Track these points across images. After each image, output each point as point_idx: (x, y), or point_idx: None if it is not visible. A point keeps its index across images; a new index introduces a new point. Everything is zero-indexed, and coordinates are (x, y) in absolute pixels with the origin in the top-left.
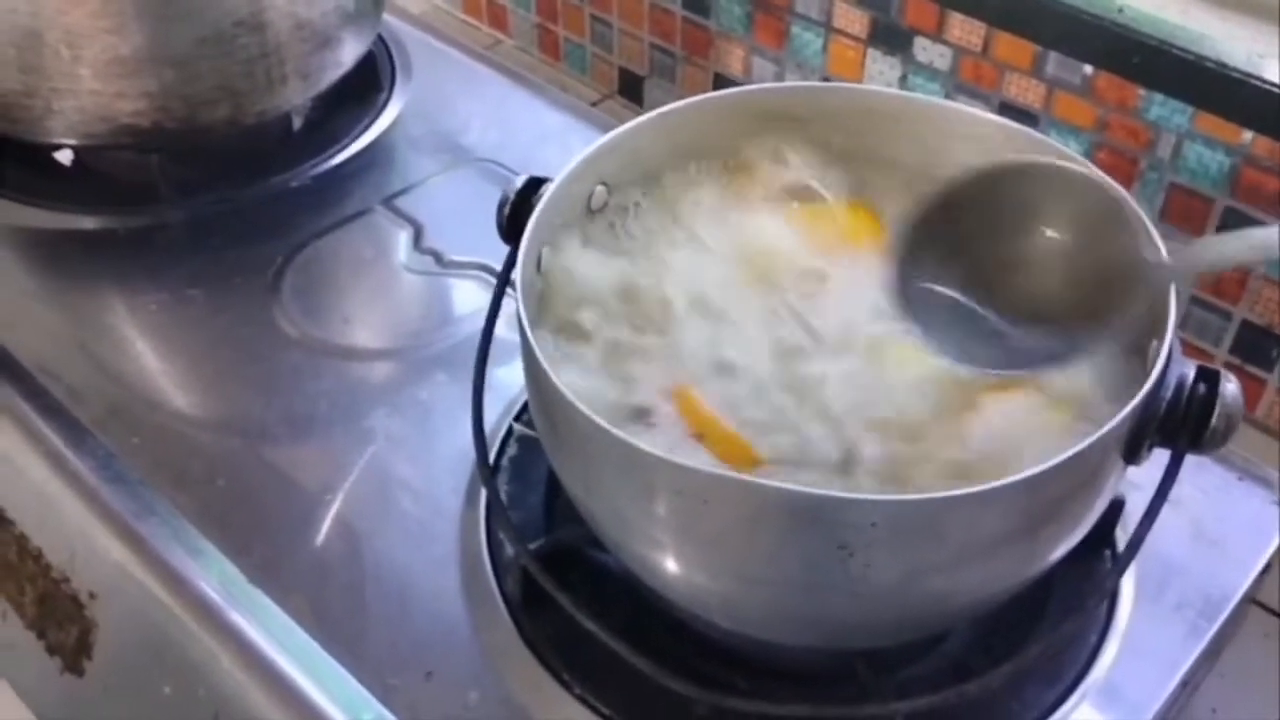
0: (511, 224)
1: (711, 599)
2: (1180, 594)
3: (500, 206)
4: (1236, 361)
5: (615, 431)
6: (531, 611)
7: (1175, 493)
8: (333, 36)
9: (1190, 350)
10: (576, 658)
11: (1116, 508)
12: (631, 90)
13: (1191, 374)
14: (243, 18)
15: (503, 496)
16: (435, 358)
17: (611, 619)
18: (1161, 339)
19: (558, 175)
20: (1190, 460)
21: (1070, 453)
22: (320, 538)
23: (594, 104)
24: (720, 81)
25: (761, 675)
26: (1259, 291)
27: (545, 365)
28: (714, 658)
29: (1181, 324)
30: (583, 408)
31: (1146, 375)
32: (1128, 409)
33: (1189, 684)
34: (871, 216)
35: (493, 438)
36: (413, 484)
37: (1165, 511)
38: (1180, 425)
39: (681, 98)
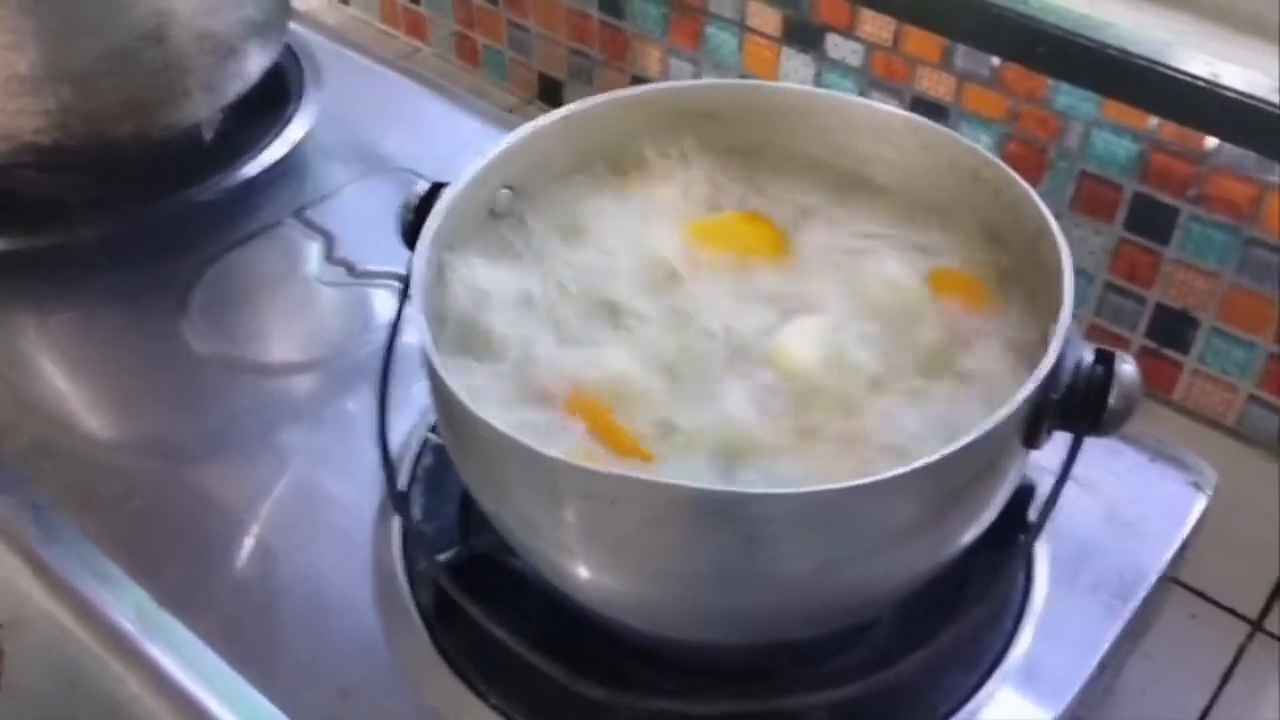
0: (413, 230)
1: (624, 601)
2: (1095, 576)
3: (402, 212)
4: (1153, 345)
5: (517, 437)
6: (446, 622)
7: (1088, 476)
8: (238, 48)
9: (1107, 335)
10: (491, 667)
11: (1027, 492)
12: (552, 95)
13: (1089, 357)
14: (146, 31)
15: (416, 509)
16: (348, 370)
17: (529, 625)
18: (1057, 323)
19: (457, 179)
20: (1103, 444)
21: (967, 440)
22: (232, 557)
23: (513, 110)
24: (639, 83)
25: (685, 674)
26: (1171, 275)
27: (444, 374)
28: (638, 659)
29: (1096, 309)
30: (483, 415)
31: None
32: (1022, 394)
33: (1109, 665)
34: (768, 225)
35: (407, 448)
36: (327, 498)
37: (1079, 495)
38: (1078, 408)
39: None
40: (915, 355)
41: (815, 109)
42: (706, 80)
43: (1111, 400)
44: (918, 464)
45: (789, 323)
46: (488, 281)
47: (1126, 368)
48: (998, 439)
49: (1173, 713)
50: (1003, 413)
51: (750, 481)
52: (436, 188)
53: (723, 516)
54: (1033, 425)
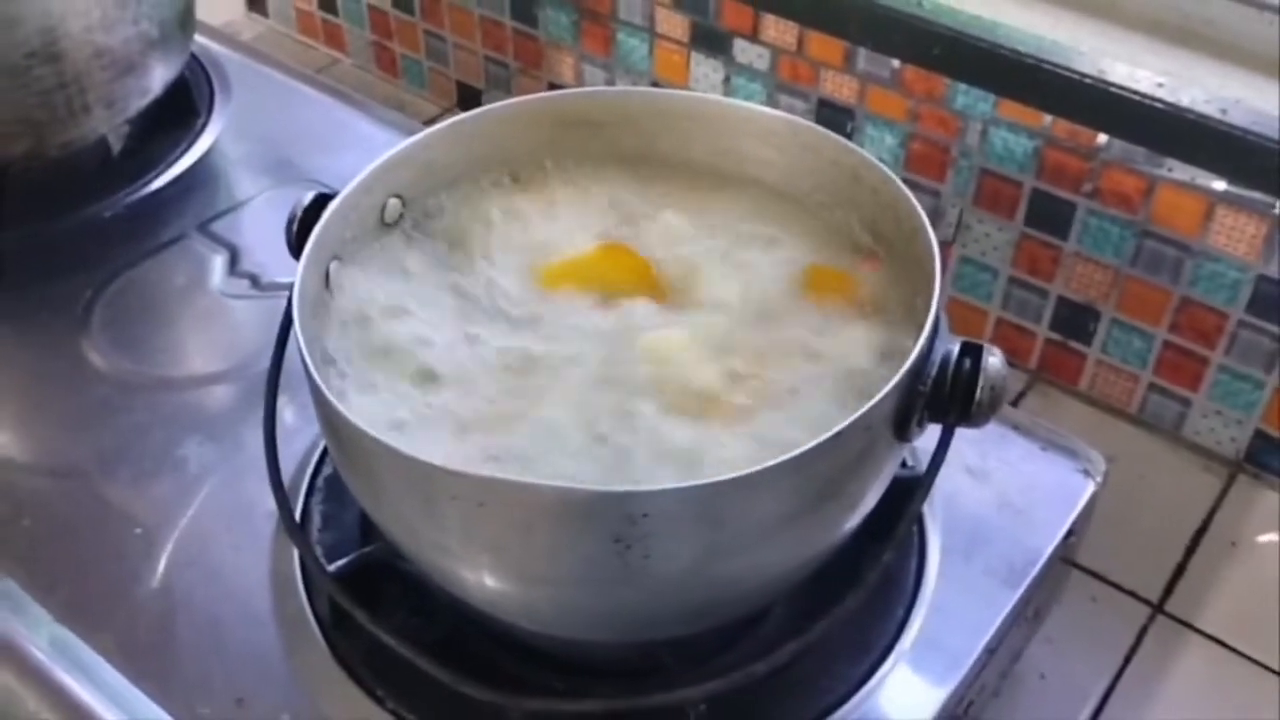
0: (300, 240)
1: (507, 601)
2: (986, 561)
3: (289, 223)
4: (1058, 337)
5: (388, 442)
6: (343, 629)
7: (982, 466)
8: (137, 63)
9: (1013, 328)
10: (388, 673)
11: (914, 481)
12: (471, 103)
13: (956, 349)
14: (34, 49)
15: (318, 516)
16: (249, 383)
17: (427, 629)
18: (925, 317)
19: (344, 189)
20: (997, 434)
21: (832, 432)
22: (131, 572)
23: (434, 119)
24: (556, 90)
25: (575, 673)
26: (1073, 268)
27: (320, 381)
28: (530, 658)
29: (1003, 303)
30: (356, 421)
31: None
32: (888, 387)
33: (1002, 645)
34: (632, 255)
35: (309, 457)
36: (227, 509)
37: (972, 484)
38: (947, 400)
39: None
40: (790, 353)
41: (699, 114)
42: (597, 88)
43: (979, 392)
44: (784, 458)
45: (660, 331)
46: (376, 290)
47: (993, 360)
48: (866, 431)
49: (1075, 695)
50: (868, 405)
51: (621, 483)
52: (322, 198)
53: (589, 516)
54: (903, 418)
